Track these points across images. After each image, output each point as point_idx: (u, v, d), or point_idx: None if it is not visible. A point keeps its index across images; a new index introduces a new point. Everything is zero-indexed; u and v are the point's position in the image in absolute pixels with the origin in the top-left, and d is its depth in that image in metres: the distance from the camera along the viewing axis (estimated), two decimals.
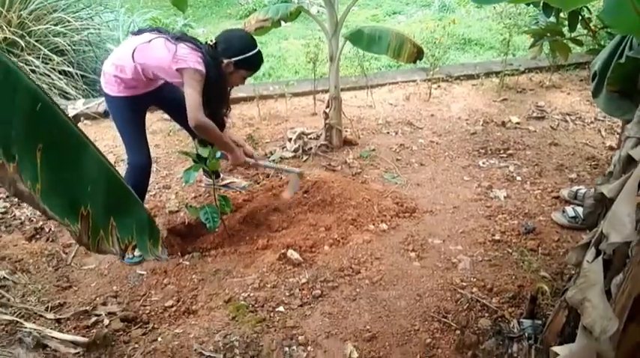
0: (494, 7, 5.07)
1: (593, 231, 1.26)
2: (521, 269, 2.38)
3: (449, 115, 4.25)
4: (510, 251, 2.53)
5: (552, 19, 3.79)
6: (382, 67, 5.75)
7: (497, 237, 2.64)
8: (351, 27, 4.60)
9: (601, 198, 1.23)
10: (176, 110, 2.70)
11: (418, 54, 3.12)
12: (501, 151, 3.63)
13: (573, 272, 1.69)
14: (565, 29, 3.95)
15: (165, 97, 2.71)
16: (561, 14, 3.65)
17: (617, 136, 3.73)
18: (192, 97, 2.36)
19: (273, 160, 3.50)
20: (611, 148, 3.59)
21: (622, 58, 2.05)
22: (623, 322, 1.22)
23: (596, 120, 4.04)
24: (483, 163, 3.49)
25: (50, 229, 2.88)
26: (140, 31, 2.54)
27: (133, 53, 2.40)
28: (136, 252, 2.65)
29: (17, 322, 2.18)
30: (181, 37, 2.46)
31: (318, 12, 7.22)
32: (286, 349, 2.08)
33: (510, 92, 4.64)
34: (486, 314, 2.11)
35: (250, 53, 2.51)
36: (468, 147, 3.71)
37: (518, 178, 3.28)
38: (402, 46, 3.10)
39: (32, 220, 2.98)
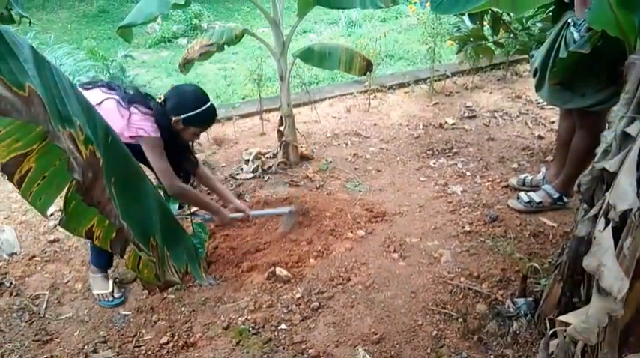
0: (418, 18, 5.42)
1: (600, 203, 1.44)
2: (498, 254, 2.59)
3: (390, 123, 4.47)
4: (483, 239, 2.73)
5: (475, 25, 4.17)
6: (311, 82, 5.89)
7: (467, 229, 2.84)
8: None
9: (598, 174, 1.41)
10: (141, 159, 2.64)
11: (368, 66, 3.29)
12: (447, 151, 3.89)
13: (547, 249, 1.89)
14: (487, 34, 4.36)
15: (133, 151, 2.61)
16: (484, 20, 4.02)
17: (543, 126, 4.15)
18: (161, 167, 2.36)
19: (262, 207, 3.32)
20: (540, 137, 3.98)
21: (562, 54, 2.32)
22: (629, 281, 1.39)
23: (521, 114, 4.45)
24: (434, 163, 3.72)
25: (11, 283, 2.66)
26: (90, 84, 2.47)
27: None
28: (116, 294, 2.53)
29: None
30: (133, 99, 2.37)
31: (263, 32, 7.26)
32: None
33: (440, 96, 4.97)
34: (481, 300, 2.27)
35: (200, 109, 2.39)
36: (416, 150, 3.93)
37: (468, 173, 3.54)
38: (352, 60, 3.25)
39: None
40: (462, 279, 2.42)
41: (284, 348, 2.17)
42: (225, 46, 3.37)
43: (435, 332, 2.16)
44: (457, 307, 2.25)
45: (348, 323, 2.27)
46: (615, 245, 1.36)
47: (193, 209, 3.14)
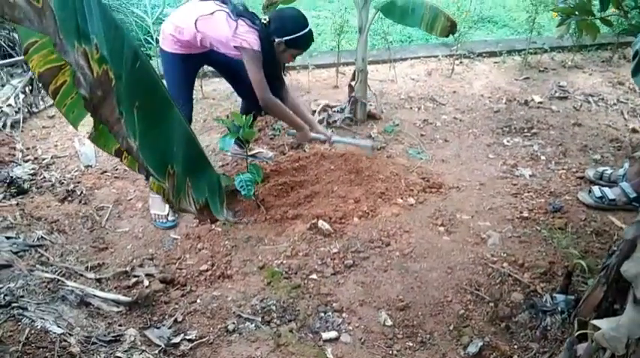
0: None
1: None
2: (551, 246, 2.43)
3: (471, 92, 4.24)
4: (539, 228, 2.57)
5: None
6: (395, 41, 5.68)
7: (525, 215, 2.68)
8: None
9: None
10: (231, 76, 2.91)
11: (452, 28, 3.11)
12: (525, 130, 3.65)
13: (607, 249, 1.73)
14: (595, 8, 3.92)
15: (219, 61, 2.79)
16: None
17: None
18: (257, 78, 2.54)
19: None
20: (634, 131, 3.61)
21: None
22: None
23: (618, 102, 4.04)
24: (507, 141, 3.51)
25: (82, 192, 2.92)
26: None
27: (196, 22, 2.46)
28: (170, 217, 2.69)
29: (59, 280, 2.24)
30: (242, 13, 2.52)
31: None
32: (322, 314, 2.14)
33: (532, 71, 4.62)
34: (518, 289, 2.17)
35: (301, 33, 2.54)
36: (491, 125, 3.72)
37: (543, 157, 3.31)
38: (435, 18, 3.08)
39: (62, 182, 3.01)
40: (505, 265, 2.31)
41: (310, 297, 2.23)
42: None
43: (462, 311, 2.11)
44: (491, 291, 2.17)
45: (377, 286, 2.27)
46: None
47: (252, 152, 3.24)
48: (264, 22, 2.56)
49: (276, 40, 2.54)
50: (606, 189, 2.75)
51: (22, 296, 2.12)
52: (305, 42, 2.61)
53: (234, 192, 2.69)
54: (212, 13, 2.48)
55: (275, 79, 2.75)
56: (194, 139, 1.21)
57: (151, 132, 1.05)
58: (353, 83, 3.62)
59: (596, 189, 2.77)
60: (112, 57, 0.89)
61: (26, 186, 2.93)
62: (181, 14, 2.56)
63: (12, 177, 2.95)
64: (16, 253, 2.34)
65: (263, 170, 3.11)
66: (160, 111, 1.09)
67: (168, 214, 2.71)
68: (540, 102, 4.06)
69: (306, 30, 2.56)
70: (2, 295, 2.10)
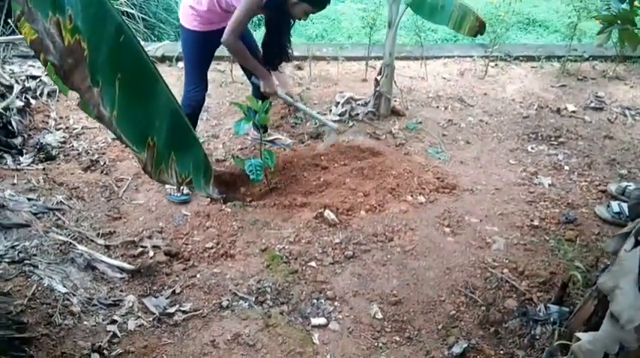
0: None
1: (636, 221, 1.26)
2: (556, 257, 2.38)
3: (502, 96, 4.15)
4: (547, 238, 2.52)
5: (626, 5, 3.60)
6: (438, 39, 5.61)
7: (535, 223, 2.63)
8: None
9: None
10: None
11: (480, 28, 3.06)
12: (552, 138, 3.55)
13: (609, 263, 1.70)
14: (638, 18, 3.76)
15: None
16: (637, 2, 3.46)
17: None
18: (238, 18, 2.46)
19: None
20: None
21: None
22: None
23: None
24: (532, 148, 3.43)
25: (105, 163, 3.05)
26: None
27: None
28: (184, 191, 2.77)
29: (70, 243, 2.36)
30: None
31: None
32: (314, 301, 2.18)
33: (570, 79, 4.46)
34: (514, 295, 2.14)
35: None
36: (518, 131, 3.64)
37: (566, 167, 3.21)
38: (464, 17, 3.03)
39: (89, 152, 3.16)
40: (505, 271, 2.28)
41: (306, 283, 2.27)
42: None
43: (453, 312, 2.10)
44: (486, 295, 2.15)
45: (373, 279, 2.29)
46: None
47: (271, 137, 3.29)
48: None
49: None
50: (626, 205, 2.65)
51: (35, 255, 2.26)
52: (319, 1, 2.49)
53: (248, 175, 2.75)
54: None
55: (281, 34, 2.67)
56: (181, 116, 1.26)
57: (132, 104, 1.10)
58: (379, 77, 3.61)
59: (614, 204, 2.68)
60: (89, 29, 0.94)
61: (54, 152, 3.09)
62: None
63: (42, 143, 3.11)
64: (35, 214, 2.48)
65: (279, 156, 3.17)
66: (143, 86, 1.14)
67: (183, 188, 2.79)
68: (573, 112, 3.93)
69: None
70: (17, 252, 2.24)
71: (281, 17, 2.57)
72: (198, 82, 2.76)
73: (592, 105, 4.03)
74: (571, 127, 3.70)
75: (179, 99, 2.90)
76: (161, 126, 1.18)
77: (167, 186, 2.82)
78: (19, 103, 3.29)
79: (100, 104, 1.02)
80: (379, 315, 2.11)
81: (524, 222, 2.65)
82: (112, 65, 1.02)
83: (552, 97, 4.15)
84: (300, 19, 2.68)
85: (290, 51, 2.80)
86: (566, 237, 2.53)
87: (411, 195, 2.82)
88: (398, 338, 2.02)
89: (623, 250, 1.20)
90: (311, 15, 2.65)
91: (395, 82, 3.66)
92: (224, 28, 2.64)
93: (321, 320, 2.09)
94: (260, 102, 2.61)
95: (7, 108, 3.17)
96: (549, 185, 3.02)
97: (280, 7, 2.50)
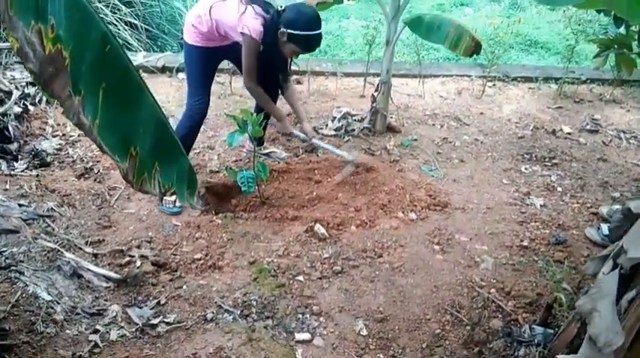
0: (564, 11, 4.87)
1: (615, 244, 1.26)
2: (544, 278, 2.37)
3: (499, 116, 4.17)
4: (536, 259, 2.51)
5: (622, 30, 3.65)
6: (440, 58, 5.66)
7: (525, 243, 2.63)
8: (414, 13, 4.56)
9: (628, 214, 1.22)
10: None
11: (476, 48, 3.08)
12: (546, 159, 3.56)
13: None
14: (635, 43, 3.80)
15: (238, 58, 2.75)
16: (633, 27, 3.50)
17: None
18: (247, 63, 2.60)
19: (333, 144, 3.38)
20: None
21: None
22: (630, 339, 1.22)
23: None
24: (526, 169, 3.44)
25: (99, 171, 3.06)
26: None
27: (211, 9, 2.55)
28: (177, 203, 2.77)
29: (58, 251, 2.36)
30: (255, 0, 2.56)
31: None
32: (300, 316, 2.17)
33: (567, 101, 4.49)
34: (500, 316, 2.13)
35: (307, 32, 2.53)
36: (512, 151, 3.65)
37: (559, 189, 3.22)
38: (460, 38, 3.06)
39: (83, 160, 3.17)
40: (492, 291, 2.27)
41: (292, 297, 2.26)
42: (345, 0, 3.38)
43: (438, 330, 2.08)
44: (471, 315, 2.13)
45: (359, 295, 2.28)
46: (621, 295, 1.19)
47: (266, 151, 3.30)
48: (279, 9, 2.56)
49: (282, 28, 2.52)
50: None
51: (22, 261, 2.26)
52: (307, 43, 2.58)
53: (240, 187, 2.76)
54: (224, 1, 2.54)
55: (279, 70, 2.79)
56: (166, 126, 1.28)
57: (116, 113, 1.11)
58: (376, 94, 3.63)
59: (605, 226, 2.67)
60: (73, 37, 0.96)
61: (49, 159, 3.10)
62: (202, 4, 2.64)
63: (38, 149, 3.13)
64: (25, 220, 2.49)
65: (273, 169, 3.18)
66: (128, 95, 1.16)
67: (175, 200, 2.79)
68: (569, 133, 3.95)
69: (313, 32, 2.53)
70: (4, 258, 2.24)
71: (274, 55, 2.65)
72: (201, 95, 2.79)
73: (587, 127, 4.05)
74: (566, 149, 3.71)
75: (177, 109, 2.96)
76: (145, 136, 1.19)
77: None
78: (18, 109, 3.31)
79: (80, 112, 1.03)
80: (364, 332, 2.10)
81: (513, 242, 2.65)
82: (95, 74, 1.03)
83: (548, 119, 4.18)
84: (289, 58, 2.78)
85: (287, 84, 2.93)
86: (555, 258, 2.52)
87: (403, 212, 2.82)
88: (382, 356, 2.01)
89: (601, 273, 1.20)
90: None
91: (391, 98, 3.69)
92: (226, 44, 2.74)
93: (306, 336, 2.07)
94: (255, 115, 2.63)
95: (4, 114, 3.19)
96: (541, 206, 3.02)
97: (272, 46, 2.58)
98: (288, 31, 2.52)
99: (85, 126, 1.07)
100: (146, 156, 1.20)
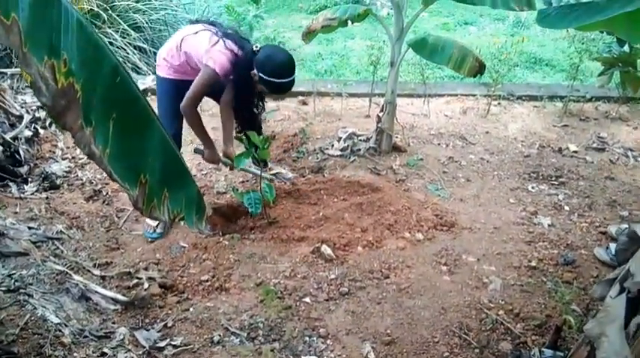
0: (567, 30, 4.90)
1: (622, 267, 1.25)
2: (553, 299, 2.35)
3: (504, 134, 4.18)
4: (545, 280, 2.49)
5: (626, 48, 3.67)
6: (445, 77, 5.69)
7: (533, 264, 2.61)
8: (419, 33, 4.61)
9: (634, 237, 1.22)
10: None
11: (480, 68, 3.10)
12: (553, 178, 3.55)
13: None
14: (639, 61, 3.81)
15: (215, 90, 2.71)
16: (637, 45, 3.52)
17: None
18: (195, 90, 2.52)
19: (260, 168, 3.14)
20: None
21: None
22: None
23: None
24: (532, 188, 3.43)
25: (107, 193, 3.09)
26: (197, 22, 2.71)
27: (181, 41, 2.55)
28: (158, 229, 2.78)
29: (67, 273, 2.37)
30: (228, 34, 2.56)
31: (389, 14, 7.19)
32: (307, 338, 2.16)
33: (573, 119, 4.49)
34: (509, 338, 2.11)
35: (277, 80, 2.51)
36: (519, 170, 3.65)
37: (567, 208, 3.20)
38: (464, 59, 3.09)
39: (92, 182, 3.20)
40: (500, 312, 2.25)
41: (299, 319, 2.25)
42: (349, 22, 3.42)
43: (447, 353, 2.06)
44: (480, 337, 2.12)
45: (367, 317, 2.27)
46: (629, 319, 1.18)
47: (273, 171, 3.33)
48: (255, 49, 2.54)
49: (255, 70, 2.52)
50: None
51: (31, 284, 2.27)
52: (275, 88, 2.58)
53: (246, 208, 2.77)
54: (196, 33, 2.55)
55: (250, 102, 2.76)
56: (176, 155, 1.30)
57: (126, 143, 1.14)
58: (381, 114, 3.66)
59: (613, 246, 2.65)
60: (85, 71, 0.99)
61: (59, 182, 3.14)
62: (173, 39, 2.65)
63: (47, 172, 3.17)
64: (34, 243, 2.51)
65: (280, 190, 3.19)
66: (138, 125, 1.18)
67: (157, 226, 2.78)
68: (575, 152, 3.94)
69: (282, 80, 2.51)
70: (13, 281, 2.26)
71: (246, 89, 2.64)
72: (175, 129, 2.73)
73: (594, 145, 4.04)
74: (572, 167, 3.70)
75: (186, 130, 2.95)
76: (154, 163, 1.21)
77: (146, 221, 2.80)
78: (28, 133, 3.37)
79: (91, 143, 1.06)
80: (372, 355, 2.08)
81: (522, 262, 2.64)
82: (106, 105, 1.06)
83: (554, 137, 4.18)
84: (260, 95, 2.77)
85: (260, 119, 2.95)
86: (563, 279, 2.50)
87: (409, 232, 2.82)
88: None
89: (608, 297, 1.19)
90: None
91: (396, 118, 3.71)
92: None
93: None
94: (261, 137, 2.65)
95: (15, 138, 3.25)
96: (549, 225, 3.01)
97: (245, 80, 2.57)
98: (259, 74, 2.51)
99: (95, 156, 1.09)
100: (155, 183, 1.23)
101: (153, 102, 4.31)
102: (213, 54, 2.47)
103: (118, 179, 1.16)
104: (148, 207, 1.23)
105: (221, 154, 2.91)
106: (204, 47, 2.50)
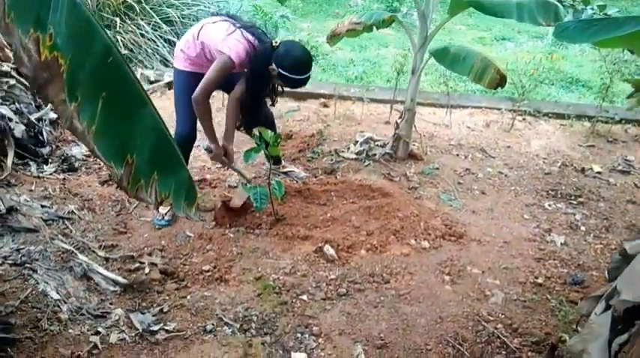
0: (600, 50, 4.78)
1: (609, 285, 1.20)
2: (555, 317, 2.28)
3: (526, 150, 4.09)
4: (549, 297, 2.42)
5: None
6: (471, 90, 5.62)
7: (539, 281, 2.54)
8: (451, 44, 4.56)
9: (625, 255, 1.18)
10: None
11: (501, 81, 3.05)
12: (572, 197, 3.45)
13: None
14: None
15: (229, 82, 2.72)
16: None
17: None
18: (210, 78, 2.50)
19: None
20: None
21: None
22: None
23: None
24: (549, 205, 3.34)
25: None
26: (218, 14, 2.75)
27: (199, 31, 2.58)
28: (167, 217, 2.80)
29: (72, 252, 2.43)
30: (246, 26, 2.58)
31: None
32: (299, 335, 2.15)
33: (600, 139, 4.37)
34: (504, 352, 2.05)
35: (293, 76, 2.54)
36: (537, 186, 3.56)
37: (583, 228, 3.11)
38: (485, 70, 3.04)
39: None
40: (498, 326, 2.19)
41: (293, 315, 2.24)
42: (374, 28, 3.43)
43: None
44: (474, 349, 2.06)
45: (361, 320, 2.24)
46: (614, 337, 1.14)
47: (285, 169, 3.34)
48: (275, 44, 2.55)
49: (273, 64, 2.52)
50: None
51: (37, 260, 2.34)
52: (293, 84, 2.61)
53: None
54: (214, 23, 2.58)
55: (261, 96, 2.75)
56: (169, 140, 1.32)
57: (113, 122, 1.16)
58: (399, 121, 3.64)
59: None
60: (72, 47, 1.01)
61: (77, 164, 3.23)
62: (191, 30, 2.68)
63: (67, 154, 3.26)
64: (45, 221, 2.59)
65: (291, 188, 3.20)
66: (128, 106, 1.20)
67: (166, 214, 2.80)
68: (599, 173, 3.83)
69: (300, 77, 2.54)
70: (20, 255, 2.33)
71: (261, 83, 2.65)
72: (190, 124, 2.75)
73: (619, 167, 3.92)
74: (594, 188, 3.59)
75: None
76: (143, 144, 1.23)
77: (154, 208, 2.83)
78: (53, 115, 3.47)
79: (74, 117, 1.08)
80: (362, 357, 2.05)
81: (528, 278, 2.57)
82: (95, 83, 1.09)
83: (578, 156, 4.07)
84: (277, 87, 2.79)
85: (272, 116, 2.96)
86: (569, 298, 2.42)
87: (415, 239, 2.78)
88: None
89: (593, 313, 1.15)
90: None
91: (415, 126, 3.68)
92: None
93: (302, 356, 2.05)
94: (271, 133, 2.67)
95: (40, 119, 3.35)
96: (562, 244, 2.92)
97: (261, 74, 2.58)
98: (278, 69, 2.52)
99: (77, 131, 1.12)
100: (144, 164, 1.24)
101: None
102: (229, 42, 2.49)
103: (102, 156, 1.18)
104: (133, 188, 1.25)
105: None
106: (221, 36, 2.52)
